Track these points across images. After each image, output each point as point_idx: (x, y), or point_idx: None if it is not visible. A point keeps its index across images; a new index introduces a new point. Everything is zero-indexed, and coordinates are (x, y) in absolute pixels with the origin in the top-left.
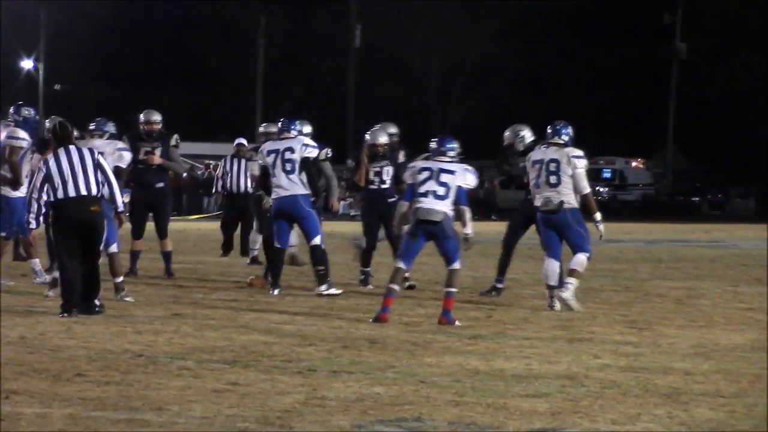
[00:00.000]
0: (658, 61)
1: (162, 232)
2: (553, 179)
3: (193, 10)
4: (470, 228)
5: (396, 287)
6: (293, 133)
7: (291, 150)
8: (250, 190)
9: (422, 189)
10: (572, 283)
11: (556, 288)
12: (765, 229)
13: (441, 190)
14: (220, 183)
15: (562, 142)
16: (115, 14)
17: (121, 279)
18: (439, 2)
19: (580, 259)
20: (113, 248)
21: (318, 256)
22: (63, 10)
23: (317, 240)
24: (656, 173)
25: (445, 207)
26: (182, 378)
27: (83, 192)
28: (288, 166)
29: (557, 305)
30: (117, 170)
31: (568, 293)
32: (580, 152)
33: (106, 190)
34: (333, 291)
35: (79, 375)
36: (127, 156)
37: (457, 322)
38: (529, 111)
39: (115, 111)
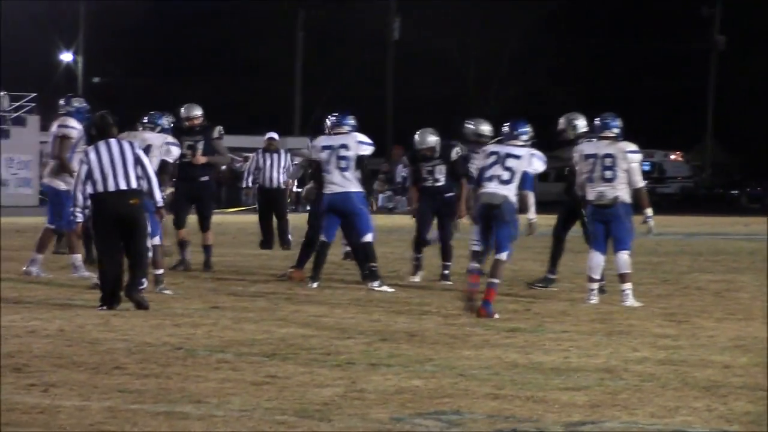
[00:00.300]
0: (696, 54)
1: (204, 225)
2: (608, 174)
3: (231, 2)
4: (534, 214)
5: (477, 264)
6: (346, 128)
7: (346, 147)
8: (282, 185)
9: (488, 173)
10: (629, 288)
11: (599, 282)
12: None
13: (506, 175)
14: (251, 178)
15: (613, 135)
16: (152, 6)
17: (161, 271)
18: None
19: (626, 260)
20: (156, 240)
21: (370, 253)
22: (101, 2)
23: (369, 237)
24: (695, 166)
25: (508, 191)
26: (221, 371)
27: (122, 186)
28: (342, 163)
29: (595, 299)
30: (164, 164)
31: (630, 300)
32: (634, 146)
33: (145, 184)
34: (385, 288)
35: (118, 368)
36: (176, 151)
37: (496, 315)
38: (567, 103)
39: (153, 103)
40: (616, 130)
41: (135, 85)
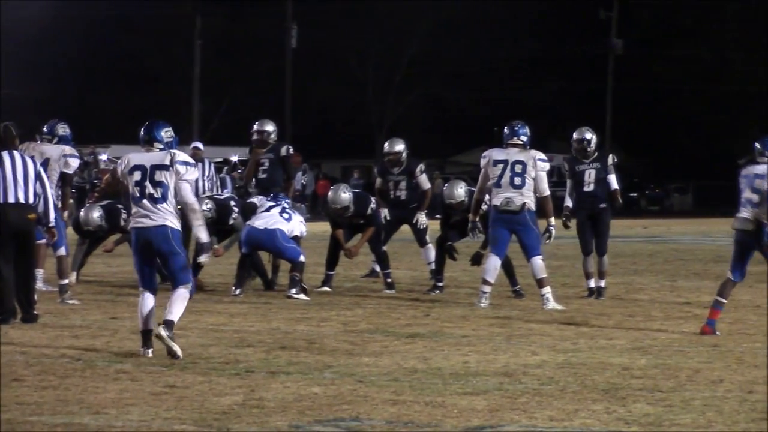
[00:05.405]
0: (594, 57)
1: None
2: (517, 180)
3: (128, 11)
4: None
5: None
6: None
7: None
8: (208, 192)
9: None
10: (548, 292)
11: (489, 285)
12: (703, 224)
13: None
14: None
15: (521, 142)
16: (52, 16)
17: (66, 281)
18: (375, 2)
19: (541, 265)
20: (61, 251)
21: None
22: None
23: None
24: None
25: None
26: (120, 381)
27: (22, 199)
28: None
29: (485, 303)
30: (63, 176)
31: (551, 304)
32: (543, 155)
33: (41, 203)
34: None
35: (17, 380)
36: (74, 162)
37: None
38: (466, 108)
39: (52, 114)
40: (524, 138)
41: (33, 96)
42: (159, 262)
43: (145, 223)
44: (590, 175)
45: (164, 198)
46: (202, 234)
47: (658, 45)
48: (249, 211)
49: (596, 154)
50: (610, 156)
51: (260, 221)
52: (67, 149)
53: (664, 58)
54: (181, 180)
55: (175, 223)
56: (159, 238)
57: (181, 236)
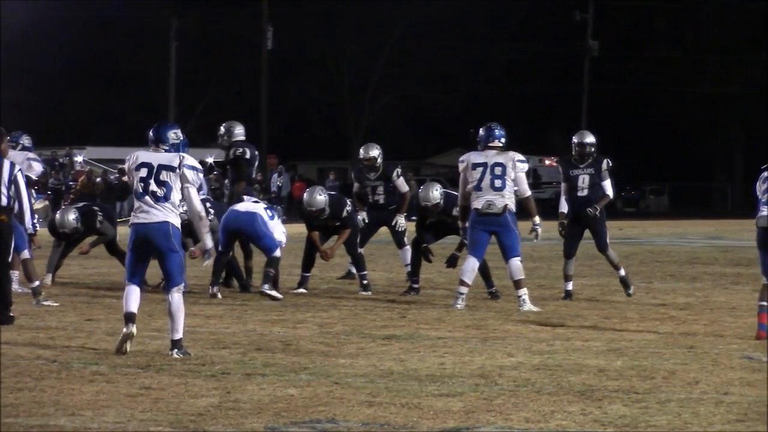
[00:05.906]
0: (570, 58)
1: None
2: (497, 183)
3: (104, 12)
4: None
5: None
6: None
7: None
8: None
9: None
10: (525, 293)
11: (466, 286)
12: (678, 225)
13: None
14: None
15: (500, 144)
16: (25, 18)
17: (37, 284)
18: (351, 4)
19: (519, 266)
20: (25, 254)
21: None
22: None
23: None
24: None
25: None
26: (96, 383)
27: None
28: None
29: (461, 304)
30: (26, 180)
31: (527, 305)
32: (522, 156)
33: (17, 207)
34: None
35: None
36: (37, 166)
37: None
38: (441, 110)
39: (25, 116)
40: (503, 140)
41: (6, 98)
42: (157, 259)
43: (147, 218)
44: (584, 180)
45: (166, 198)
46: (208, 241)
47: (634, 47)
48: (236, 200)
49: (590, 159)
50: (605, 161)
51: (242, 205)
52: (30, 154)
53: (640, 60)
54: (189, 185)
55: (176, 222)
56: (160, 235)
57: (180, 236)
